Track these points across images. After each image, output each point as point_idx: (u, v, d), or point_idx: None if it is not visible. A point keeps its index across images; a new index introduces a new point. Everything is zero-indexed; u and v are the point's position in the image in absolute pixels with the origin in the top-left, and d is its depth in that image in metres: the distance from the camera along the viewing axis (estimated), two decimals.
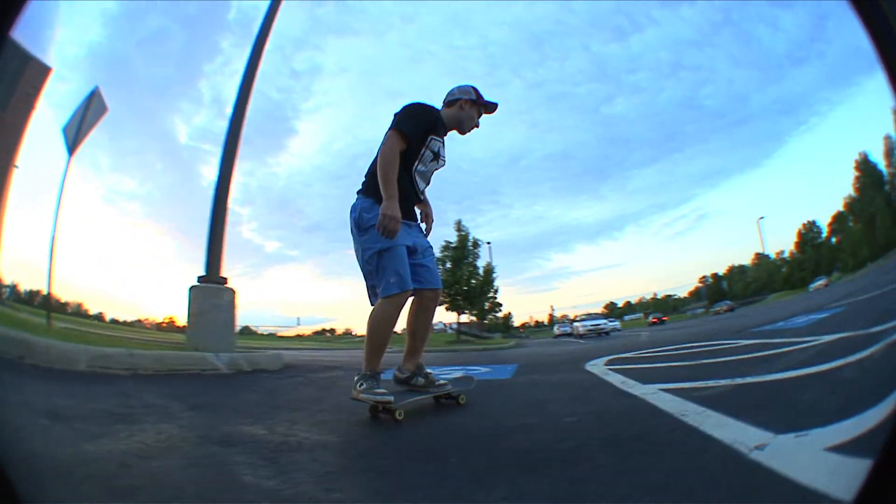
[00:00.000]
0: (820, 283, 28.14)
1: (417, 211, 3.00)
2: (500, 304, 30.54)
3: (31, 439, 1.83)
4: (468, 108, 3.01)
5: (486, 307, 29.72)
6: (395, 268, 2.61)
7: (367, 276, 2.72)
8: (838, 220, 37.85)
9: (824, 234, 41.36)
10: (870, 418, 1.18)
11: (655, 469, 1.36)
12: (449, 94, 3.05)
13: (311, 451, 1.85)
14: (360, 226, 2.70)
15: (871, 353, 2.17)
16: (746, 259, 50.77)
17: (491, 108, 3.08)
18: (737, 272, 43.44)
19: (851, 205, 37.93)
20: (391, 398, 2.47)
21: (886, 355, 2.01)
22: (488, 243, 29.20)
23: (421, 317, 2.90)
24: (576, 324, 26.68)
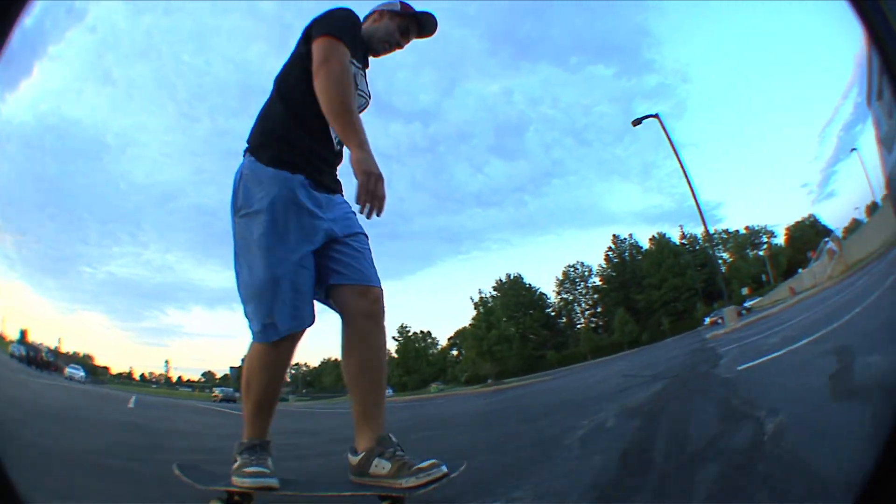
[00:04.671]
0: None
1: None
2: None
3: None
4: (386, 19, 2.10)
5: None
6: (284, 296, 1.68)
7: (242, 295, 1.78)
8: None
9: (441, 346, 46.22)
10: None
11: None
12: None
13: None
14: (239, 205, 1.76)
15: (870, 355, 2.33)
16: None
17: (423, 24, 2.14)
18: (330, 365, 48.40)
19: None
20: (274, 481, 1.60)
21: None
22: None
23: (360, 342, 1.77)
24: None
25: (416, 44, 2.15)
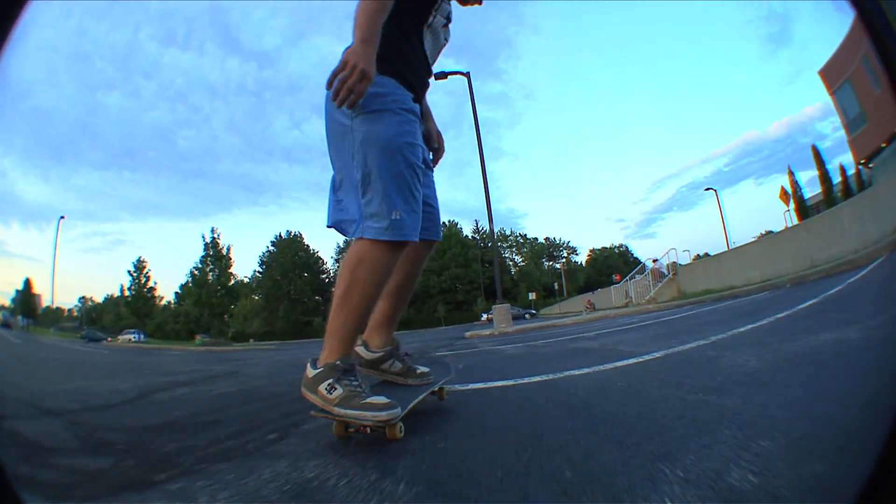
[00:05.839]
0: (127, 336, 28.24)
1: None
2: None
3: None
4: None
5: None
6: (416, 195, 1.64)
7: (364, 185, 1.60)
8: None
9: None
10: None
11: None
12: None
13: None
14: (361, 105, 1.55)
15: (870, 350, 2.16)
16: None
17: None
18: (112, 303, 44.80)
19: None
20: (398, 411, 1.50)
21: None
22: None
23: (412, 269, 1.97)
24: None
25: None
